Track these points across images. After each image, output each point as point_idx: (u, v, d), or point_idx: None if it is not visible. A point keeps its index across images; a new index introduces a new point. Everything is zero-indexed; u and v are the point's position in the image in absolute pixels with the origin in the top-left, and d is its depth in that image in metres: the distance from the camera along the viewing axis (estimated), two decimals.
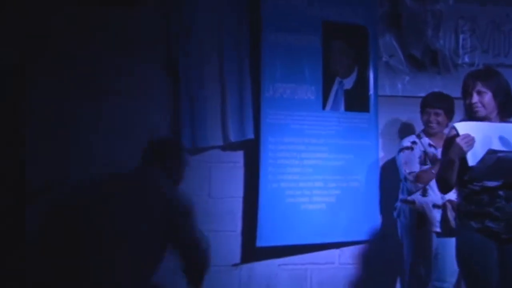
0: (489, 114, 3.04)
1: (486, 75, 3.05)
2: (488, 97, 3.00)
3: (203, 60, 3.97)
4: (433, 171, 3.85)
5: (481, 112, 3.02)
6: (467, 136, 2.89)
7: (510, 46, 4.70)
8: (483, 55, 4.68)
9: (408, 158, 3.96)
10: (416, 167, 3.94)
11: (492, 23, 4.70)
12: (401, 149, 4.00)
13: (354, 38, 4.29)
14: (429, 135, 4.00)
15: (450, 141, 3.01)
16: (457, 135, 2.96)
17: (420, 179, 3.90)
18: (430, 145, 4.00)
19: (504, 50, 4.71)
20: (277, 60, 4.02)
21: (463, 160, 2.93)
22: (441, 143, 3.90)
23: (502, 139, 2.93)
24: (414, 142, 4.01)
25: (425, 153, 3.97)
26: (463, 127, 2.98)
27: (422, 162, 3.95)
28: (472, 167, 2.90)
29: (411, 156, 3.96)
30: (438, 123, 3.95)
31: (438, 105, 3.96)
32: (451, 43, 4.61)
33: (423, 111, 4.00)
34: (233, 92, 4.02)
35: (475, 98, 3.00)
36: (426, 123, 3.98)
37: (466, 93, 3.05)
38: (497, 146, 2.91)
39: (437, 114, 3.95)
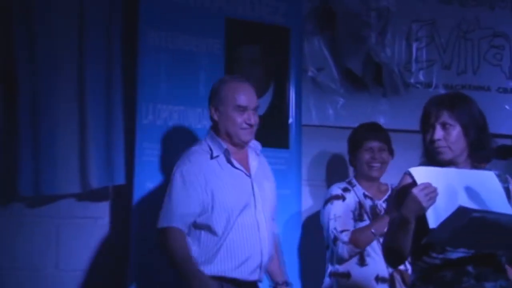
0: (457, 157, 3.07)
1: (454, 102, 3.08)
2: (456, 132, 3.05)
3: (55, 73, 4.03)
4: (373, 230, 4.01)
5: (446, 153, 3.06)
6: (427, 186, 2.90)
7: (481, 60, 5.03)
8: (444, 72, 4.98)
9: (339, 211, 4.12)
10: (350, 224, 4.10)
11: (457, 29, 5.03)
12: (329, 199, 4.16)
13: (271, 43, 4.45)
14: (366, 180, 4.21)
15: (403, 193, 3.02)
16: (414, 184, 2.98)
17: (356, 241, 4.04)
18: (365, 196, 4.21)
19: (472, 66, 5.04)
20: (161, 72, 4.12)
21: (421, 220, 2.94)
22: (378, 195, 4.29)
23: (469, 191, 2.99)
24: (346, 190, 4.20)
25: (360, 205, 4.17)
26: (421, 174, 3.00)
27: (357, 218, 4.13)
28: (432, 230, 2.92)
29: (342, 208, 4.13)
30: (383, 162, 4.19)
31: (382, 138, 4.20)
32: (401, 54, 4.90)
33: (359, 147, 4.20)
34: (96, 119, 4.07)
35: (439, 133, 3.03)
36: (366, 164, 4.18)
37: (427, 126, 3.09)
38: (463, 200, 2.95)
39: (381, 150, 4.18)
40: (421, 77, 4.99)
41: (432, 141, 3.07)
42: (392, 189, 3.41)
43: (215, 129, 3.64)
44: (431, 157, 3.11)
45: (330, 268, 4.19)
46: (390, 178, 4.15)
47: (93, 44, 4.14)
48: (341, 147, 4.48)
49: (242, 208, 3.55)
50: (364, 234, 4.07)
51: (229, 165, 3.60)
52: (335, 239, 4.10)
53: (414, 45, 4.98)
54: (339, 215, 4.14)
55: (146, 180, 4.08)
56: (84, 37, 4.14)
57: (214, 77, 4.19)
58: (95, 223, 4.28)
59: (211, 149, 3.61)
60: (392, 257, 3.14)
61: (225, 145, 3.61)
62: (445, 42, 5.03)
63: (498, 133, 3.62)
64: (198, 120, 4.23)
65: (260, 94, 4.39)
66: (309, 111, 4.71)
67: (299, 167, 4.57)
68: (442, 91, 4.85)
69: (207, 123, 4.16)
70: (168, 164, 4.05)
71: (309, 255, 4.48)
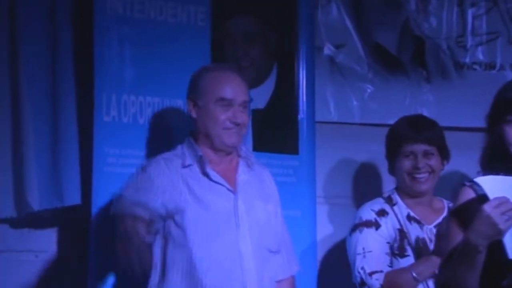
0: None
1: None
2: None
3: None
4: (414, 273, 4.08)
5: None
6: (504, 201, 2.94)
7: None
8: None
9: (370, 244, 4.17)
10: (385, 261, 4.15)
11: None
12: (357, 226, 4.23)
13: (272, 12, 4.52)
14: (410, 197, 4.27)
15: (467, 211, 3.08)
16: (480, 199, 3.04)
17: (392, 286, 4.10)
18: (410, 218, 4.26)
19: None
20: (126, 51, 4.19)
21: (492, 249, 2.98)
22: (430, 217, 4.33)
23: None
24: (382, 213, 4.25)
25: (402, 233, 4.21)
26: (491, 185, 3.04)
27: (397, 252, 4.19)
28: None
29: (375, 240, 4.18)
30: (431, 171, 4.22)
31: (429, 137, 4.22)
32: (452, 24, 4.98)
33: (397, 151, 4.24)
34: (37, 118, 4.14)
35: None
36: (407, 174, 4.22)
37: (503, 121, 3.16)
38: None
39: (427, 155, 4.20)
40: (479, 55, 5.07)
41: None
42: (449, 209, 3.46)
43: (194, 131, 3.76)
44: (503, 164, 3.16)
45: None
46: (440, 193, 4.25)
47: (28, 17, 4.20)
48: (370, 151, 4.65)
49: (217, 234, 3.64)
50: (402, 278, 4.14)
51: (204, 178, 3.71)
52: (362, 283, 4.18)
53: (470, 12, 5.05)
54: (369, 250, 4.20)
55: (110, 199, 4.00)
56: (16, 6, 4.22)
57: (198, 57, 4.37)
58: (36, 258, 4.37)
59: (184, 156, 3.72)
60: None
61: (201, 151, 3.71)
62: None
63: None
64: (178, 116, 4.29)
65: (258, 81, 4.57)
66: (325, 103, 4.80)
67: (313, 180, 4.63)
68: (510, 74, 4.91)
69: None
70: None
71: None
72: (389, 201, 4.32)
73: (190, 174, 3.70)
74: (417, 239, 4.24)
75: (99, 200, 4.11)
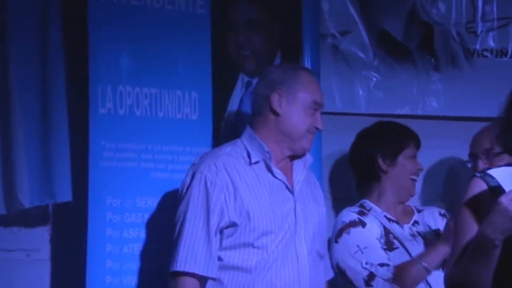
0: None
1: None
2: None
3: None
4: (424, 263, 4.09)
5: None
6: None
7: None
8: None
9: (363, 240, 4.18)
10: (384, 256, 4.16)
11: None
12: (342, 230, 4.23)
13: (275, 0, 4.49)
14: (396, 201, 4.37)
15: (480, 204, 3.01)
16: (495, 190, 2.99)
17: (402, 280, 4.10)
18: (388, 219, 4.31)
19: None
20: (121, 40, 4.10)
21: (507, 244, 2.90)
22: (404, 218, 4.43)
23: None
24: (362, 213, 4.29)
25: (386, 230, 4.27)
26: (507, 176, 3.02)
27: (386, 247, 4.23)
28: None
29: (366, 236, 4.20)
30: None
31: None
32: (461, 9, 4.90)
33: (397, 152, 4.34)
34: (26, 110, 4.07)
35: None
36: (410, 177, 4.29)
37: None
38: None
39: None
40: (491, 42, 5.00)
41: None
42: (462, 202, 3.34)
43: (257, 125, 3.77)
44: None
45: None
46: (452, 184, 4.29)
47: (19, 8, 4.12)
48: None
49: (280, 234, 3.71)
50: (412, 270, 4.13)
51: (269, 175, 3.75)
52: (371, 277, 4.15)
53: None
54: (365, 246, 4.19)
55: (107, 194, 4.05)
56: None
57: (198, 46, 4.33)
58: (28, 257, 4.28)
59: (248, 152, 3.72)
60: None
61: (268, 148, 3.71)
62: None
63: None
64: (177, 108, 4.25)
65: (262, 69, 4.40)
66: (330, 92, 4.68)
67: (319, 174, 4.49)
68: None
69: (191, 113, 4.31)
70: (137, 172, 4.14)
71: None
72: (363, 207, 4.34)
73: (254, 172, 3.74)
74: (401, 234, 4.27)
75: (95, 197, 4.05)
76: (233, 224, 3.63)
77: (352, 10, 4.88)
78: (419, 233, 4.27)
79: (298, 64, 3.90)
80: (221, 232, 3.64)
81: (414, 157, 4.32)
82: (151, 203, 4.17)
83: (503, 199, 2.84)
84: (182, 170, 4.12)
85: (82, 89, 4.09)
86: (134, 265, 4.12)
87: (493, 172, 3.01)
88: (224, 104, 4.41)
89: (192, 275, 3.60)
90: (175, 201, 4.07)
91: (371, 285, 4.14)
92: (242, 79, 4.46)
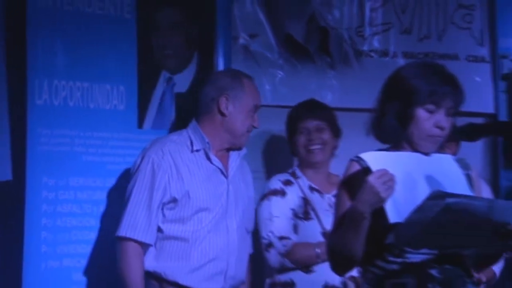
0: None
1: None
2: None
3: None
4: (318, 250, 4.01)
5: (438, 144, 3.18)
6: (385, 173, 2.93)
7: (447, 22, 5.02)
8: (403, 38, 4.96)
9: (277, 210, 4.12)
10: (289, 229, 4.09)
11: None
12: (266, 195, 4.16)
13: (193, 5, 4.39)
14: (311, 168, 4.23)
15: (354, 183, 3.06)
16: (364, 171, 3.03)
17: (294, 259, 4.05)
18: (312, 189, 4.22)
19: (437, 30, 5.03)
20: (57, 40, 4.01)
21: (378, 214, 2.95)
22: (328, 187, 4.27)
23: (429, 179, 3.05)
24: (288, 183, 4.21)
25: (305, 201, 4.17)
26: (374, 159, 3.06)
27: (302, 216, 4.13)
28: (398, 225, 2.93)
29: (281, 207, 4.13)
30: (324, 143, 4.19)
31: (319, 115, 4.21)
32: (352, 16, 4.86)
33: (294, 130, 4.23)
34: None
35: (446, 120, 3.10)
36: (304, 148, 4.20)
37: (423, 103, 3.12)
38: (423, 189, 2.98)
39: (319, 130, 4.17)
40: (375, 43, 4.99)
41: (437, 128, 3.09)
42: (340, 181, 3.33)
43: (203, 121, 3.77)
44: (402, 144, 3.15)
45: (268, 281, 4.20)
46: (340, 166, 4.08)
47: None
48: (282, 131, 4.47)
49: (214, 211, 3.73)
50: (306, 252, 4.08)
51: (207, 161, 3.77)
52: (269, 245, 4.11)
53: (368, 5, 4.97)
54: (276, 215, 4.13)
55: (43, 175, 3.98)
56: None
57: (124, 46, 4.26)
58: None
59: (191, 141, 3.76)
60: (340, 262, 3.14)
61: (207, 138, 3.76)
62: (404, 1, 5.04)
63: (468, 110, 3.52)
64: (106, 99, 4.17)
65: (181, 67, 4.47)
66: None
67: None
68: (401, 60, 4.87)
69: (118, 103, 4.24)
70: (72, 153, 4.07)
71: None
72: (294, 175, 4.29)
73: (195, 159, 3.74)
74: (319, 205, 4.19)
75: (33, 176, 3.96)
76: (174, 200, 3.66)
77: (260, 16, 4.82)
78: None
79: (241, 72, 3.86)
80: (163, 207, 3.66)
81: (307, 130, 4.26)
82: (83, 182, 4.10)
83: (370, 178, 2.93)
84: (111, 153, 4.19)
85: (21, 83, 3.98)
86: (66, 236, 4.04)
87: (364, 155, 3.09)
88: (148, 97, 4.34)
89: (134, 240, 3.61)
90: (104, 180, 4.16)
91: (269, 251, 4.10)
92: (164, 75, 4.40)
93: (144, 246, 3.63)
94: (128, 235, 3.58)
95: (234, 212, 3.76)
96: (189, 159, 3.71)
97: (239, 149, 3.83)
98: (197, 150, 3.73)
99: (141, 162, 3.68)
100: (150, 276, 3.69)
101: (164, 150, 3.67)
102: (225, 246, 3.71)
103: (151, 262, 3.69)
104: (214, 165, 3.74)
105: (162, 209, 3.65)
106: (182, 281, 3.64)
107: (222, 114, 3.74)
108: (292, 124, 4.26)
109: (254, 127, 3.83)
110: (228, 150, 3.82)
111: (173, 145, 3.71)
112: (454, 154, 3.43)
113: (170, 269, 3.65)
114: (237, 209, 3.78)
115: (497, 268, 4.27)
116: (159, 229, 3.66)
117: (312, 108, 4.26)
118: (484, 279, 4.09)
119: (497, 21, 5.06)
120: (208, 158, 3.73)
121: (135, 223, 3.60)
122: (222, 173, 3.76)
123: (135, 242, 3.59)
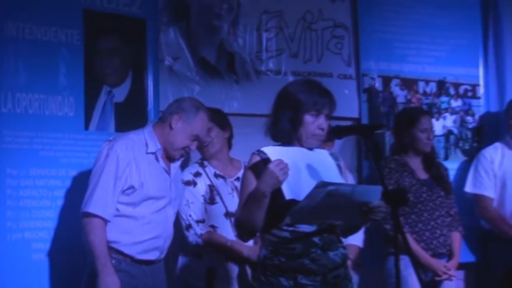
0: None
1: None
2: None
3: None
4: (229, 244, 4.03)
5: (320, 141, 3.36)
6: (281, 161, 3.10)
7: (324, 49, 5.17)
8: (292, 60, 5.07)
9: (192, 197, 4.13)
10: (203, 212, 4.12)
11: (303, 20, 5.11)
12: (184, 184, 4.12)
13: (128, 34, 4.44)
14: (214, 159, 4.21)
15: (257, 170, 3.23)
16: (264, 161, 3.21)
17: (208, 243, 4.06)
18: (216, 175, 4.22)
19: (317, 54, 5.14)
20: (20, 60, 4.03)
21: (276, 193, 3.13)
22: (231, 172, 4.28)
23: (309, 167, 3.25)
24: (197, 174, 4.22)
25: (211, 188, 4.18)
26: (273, 152, 3.25)
27: (209, 201, 4.15)
28: (290, 207, 3.09)
29: (194, 194, 4.14)
30: (212, 140, 4.18)
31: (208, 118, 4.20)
32: (252, 43, 4.97)
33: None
34: None
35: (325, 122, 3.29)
36: (199, 148, 4.10)
37: (308, 111, 3.26)
38: (305, 175, 3.21)
39: (209, 130, 4.08)
40: (271, 65, 5.07)
41: (319, 130, 3.28)
42: (244, 169, 3.48)
43: (158, 128, 3.75)
44: (291, 140, 3.30)
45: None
46: (246, 157, 4.18)
47: None
48: None
49: (160, 199, 3.73)
50: (218, 242, 4.10)
51: (156, 162, 3.74)
52: (189, 226, 4.13)
53: (264, 35, 5.05)
54: (192, 201, 4.15)
55: (6, 167, 3.98)
56: None
57: (74, 66, 4.23)
58: None
59: (147, 144, 3.73)
60: (245, 231, 3.27)
61: (160, 145, 3.74)
62: (292, 33, 5.13)
63: (339, 116, 3.75)
64: (59, 107, 4.17)
65: (118, 82, 4.43)
66: (167, 98, 4.60)
67: None
68: (290, 78, 4.98)
69: (69, 111, 4.20)
70: (31, 150, 4.05)
71: None
72: (201, 164, 4.29)
73: (148, 159, 3.72)
74: (223, 189, 4.20)
75: (0, 168, 3.98)
76: (132, 187, 3.66)
77: (181, 43, 4.82)
78: (237, 188, 4.18)
79: (204, 106, 3.83)
80: (123, 192, 3.64)
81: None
82: (40, 172, 4.09)
83: (270, 165, 3.10)
84: (63, 150, 4.16)
85: None
86: (27, 214, 4.03)
87: (265, 149, 3.28)
88: (92, 105, 4.29)
89: (100, 217, 3.58)
90: (57, 171, 4.14)
91: (188, 231, 4.12)
92: (105, 89, 4.36)
93: (105, 222, 3.60)
94: (96, 213, 3.55)
95: (173, 202, 3.80)
96: (144, 157, 3.70)
97: (172, 159, 3.80)
98: (150, 153, 3.72)
99: (107, 153, 3.64)
100: None
101: (127, 147, 3.65)
102: (164, 228, 3.74)
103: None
104: (161, 165, 3.75)
105: (122, 194, 3.64)
106: (126, 251, 3.65)
107: (171, 128, 3.73)
108: None
109: (190, 150, 3.80)
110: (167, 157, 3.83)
111: (133, 144, 3.69)
112: (330, 149, 3.60)
113: (118, 240, 3.63)
114: (175, 201, 3.84)
115: (359, 242, 4.46)
116: (117, 210, 3.66)
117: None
118: (352, 256, 4.22)
119: (360, 48, 5.20)
120: (158, 160, 3.74)
121: (103, 204, 3.56)
122: (167, 172, 3.77)
123: (100, 219, 3.56)
